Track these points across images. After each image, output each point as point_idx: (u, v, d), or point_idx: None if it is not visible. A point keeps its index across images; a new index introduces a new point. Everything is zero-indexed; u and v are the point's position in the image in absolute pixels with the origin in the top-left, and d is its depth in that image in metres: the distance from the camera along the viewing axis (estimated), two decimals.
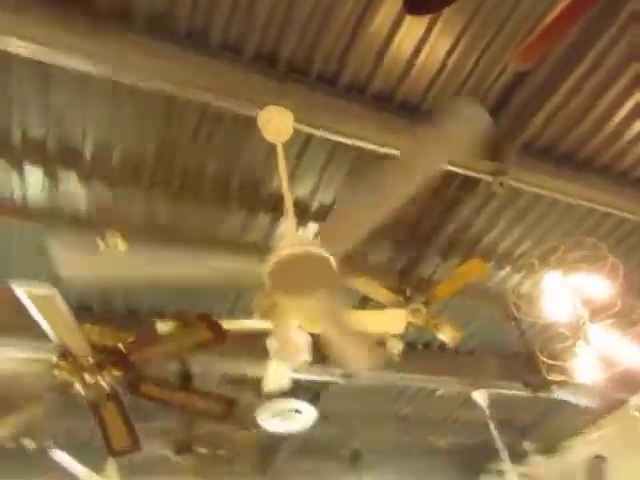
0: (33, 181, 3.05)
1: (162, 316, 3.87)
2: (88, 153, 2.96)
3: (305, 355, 3.03)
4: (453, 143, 1.87)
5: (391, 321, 3.20)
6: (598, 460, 5.54)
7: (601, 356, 2.43)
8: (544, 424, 5.87)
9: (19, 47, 2.25)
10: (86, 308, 3.75)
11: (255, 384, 4.72)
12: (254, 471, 5.68)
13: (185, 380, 3.73)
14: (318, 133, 2.80)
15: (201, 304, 3.93)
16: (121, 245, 3.14)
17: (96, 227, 3.14)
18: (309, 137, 3.01)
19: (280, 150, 2.40)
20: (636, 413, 3.86)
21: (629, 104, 3.20)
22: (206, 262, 1.98)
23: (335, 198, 3.42)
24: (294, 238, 1.99)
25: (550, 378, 2.73)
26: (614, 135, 3.36)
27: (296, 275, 1.91)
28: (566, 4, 2.08)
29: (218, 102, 2.58)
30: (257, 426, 4.85)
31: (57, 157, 2.95)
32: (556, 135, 3.28)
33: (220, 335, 2.39)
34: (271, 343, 3.04)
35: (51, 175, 3.03)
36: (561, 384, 3.25)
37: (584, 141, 3.36)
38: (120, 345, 2.70)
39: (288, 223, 2.10)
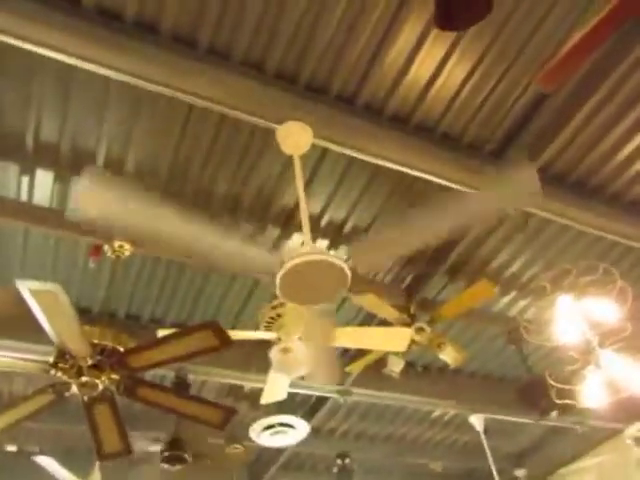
0: (42, 184, 3.03)
1: (162, 325, 3.86)
2: (101, 161, 2.95)
3: (306, 369, 2.98)
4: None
5: (395, 339, 3.16)
6: None
7: (608, 381, 2.40)
8: (539, 451, 5.81)
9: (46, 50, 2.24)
10: (86, 311, 3.71)
11: (251, 396, 4.69)
12: None
13: (182, 388, 3.68)
14: (334, 148, 2.78)
15: (203, 315, 3.92)
16: (127, 251, 3.12)
17: (102, 233, 3.12)
18: (323, 154, 3.02)
19: (297, 161, 2.39)
20: (630, 442, 3.80)
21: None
22: (224, 240, 1.92)
23: (346, 216, 3.42)
24: (309, 247, 1.97)
25: (558, 402, 2.68)
26: (624, 165, 3.36)
27: (308, 282, 1.90)
28: (589, 30, 2.08)
29: (236, 115, 2.57)
30: (249, 439, 4.79)
31: (69, 162, 2.94)
32: (570, 163, 3.29)
33: (225, 341, 2.35)
34: (273, 355, 2.99)
35: (61, 179, 3.02)
36: (567, 409, 3.21)
37: (596, 169, 3.37)
38: (120, 348, 2.65)
39: (304, 233, 2.08)
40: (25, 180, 2.99)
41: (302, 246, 2.04)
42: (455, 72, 2.80)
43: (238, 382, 4.20)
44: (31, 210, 3.08)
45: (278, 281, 1.87)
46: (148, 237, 2.04)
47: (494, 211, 2.25)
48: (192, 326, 2.48)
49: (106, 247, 3.05)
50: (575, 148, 3.22)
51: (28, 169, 2.95)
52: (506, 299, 4.21)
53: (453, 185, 3.00)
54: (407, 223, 2.08)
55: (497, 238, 3.71)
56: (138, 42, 2.38)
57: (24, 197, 3.08)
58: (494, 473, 4.72)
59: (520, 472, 5.26)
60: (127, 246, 3.04)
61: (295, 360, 2.94)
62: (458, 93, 2.89)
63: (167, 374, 4.02)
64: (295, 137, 2.45)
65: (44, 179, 3.01)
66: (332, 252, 2.02)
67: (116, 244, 3.02)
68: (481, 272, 3.89)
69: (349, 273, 1.90)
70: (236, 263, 2.10)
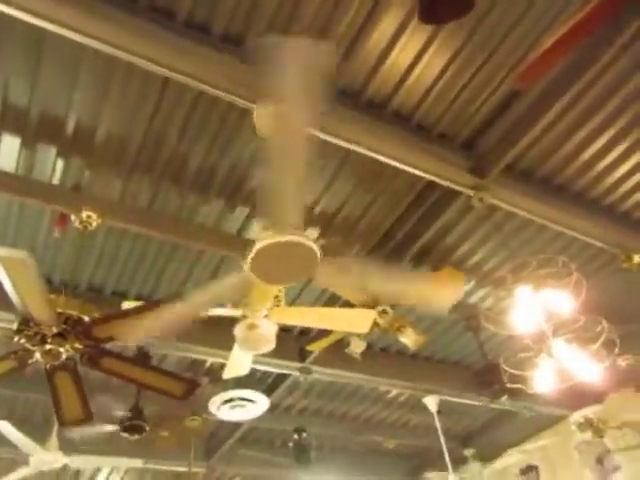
0: (9, 150, 2.95)
1: (125, 298, 3.84)
2: (70, 128, 2.89)
3: (271, 345, 3.03)
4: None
5: (358, 320, 3.23)
6: (530, 469, 5.85)
7: (559, 369, 2.54)
8: (487, 433, 6.07)
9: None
10: (47, 281, 3.65)
11: (211, 371, 4.73)
12: (198, 456, 5.65)
13: (144, 360, 3.69)
14: (328, 138, 2.79)
15: (167, 290, 3.91)
16: (95, 223, 3.08)
17: (70, 203, 3.07)
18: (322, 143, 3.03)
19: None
20: (574, 427, 4.03)
21: (606, 136, 3.34)
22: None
23: (315, 201, 3.46)
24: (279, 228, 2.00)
25: (510, 386, 2.82)
26: (587, 165, 3.49)
27: (279, 262, 1.94)
28: (566, 31, 2.15)
29: (213, 92, 2.55)
30: (208, 413, 4.84)
31: (37, 129, 2.86)
32: (537, 160, 3.40)
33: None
34: (238, 331, 3.02)
35: (29, 146, 2.94)
36: (517, 393, 3.38)
37: (562, 167, 3.48)
38: (85, 318, 2.64)
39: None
40: None
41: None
42: (433, 63, 2.84)
43: (200, 357, 4.22)
44: None
45: (249, 261, 1.90)
46: None
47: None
48: (159, 300, 2.49)
49: (73, 217, 3.00)
50: (543, 146, 3.32)
51: None
52: (466, 288, 4.33)
53: (422, 174, 3.07)
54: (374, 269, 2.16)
55: (461, 229, 3.81)
56: (115, 9, 2.34)
57: None
58: (445, 452, 4.91)
59: (469, 452, 5.49)
60: (95, 217, 2.99)
61: (260, 337, 2.97)
62: (434, 84, 2.94)
63: (128, 346, 4.01)
64: (271, 117, 2.45)
65: (11, 144, 2.93)
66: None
67: (84, 214, 2.98)
68: (444, 260, 4.00)
69: (319, 253, 1.94)
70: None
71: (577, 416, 4.02)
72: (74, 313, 2.60)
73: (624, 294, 4.09)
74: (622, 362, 4.10)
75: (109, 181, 3.15)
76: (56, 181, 3.12)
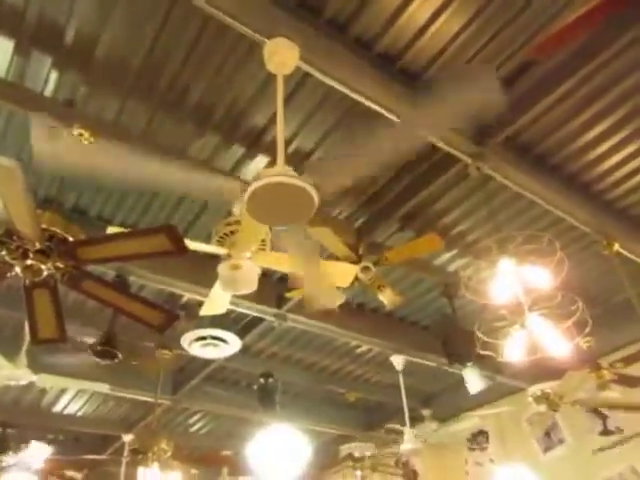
0: (1, 53, 2.81)
1: (110, 224, 3.80)
2: (70, 38, 2.76)
3: (252, 287, 3.05)
4: (454, 112, 1.89)
5: (341, 273, 3.27)
6: (480, 434, 6.14)
7: (530, 341, 2.63)
8: (446, 396, 6.29)
9: None
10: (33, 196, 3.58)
11: (187, 307, 4.76)
12: (164, 389, 5.75)
13: (123, 287, 3.69)
14: (317, 75, 2.73)
15: (153, 220, 3.87)
16: (87, 142, 2.99)
17: (62, 118, 2.97)
18: (303, 80, 2.96)
19: (281, 81, 2.35)
20: (530, 399, 4.20)
21: (604, 124, 3.36)
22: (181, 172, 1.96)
23: (314, 146, 3.41)
24: (283, 169, 1.98)
25: (482, 353, 2.92)
26: (584, 149, 3.52)
27: (276, 203, 1.94)
28: (590, 7, 2.12)
29: (223, 18, 2.46)
30: (179, 348, 4.90)
31: (33, 34, 2.73)
32: (537, 136, 3.40)
33: (180, 248, 2.35)
34: (221, 270, 3.02)
35: (22, 52, 2.81)
36: (482, 362, 3.49)
37: (558, 148, 3.50)
38: (69, 237, 2.61)
39: (279, 154, 2.08)
40: None
41: (273, 167, 2.05)
42: (449, 23, 2.78)
43: (179, 291, 4.23)
44: None
45: (247, 196, 1.89)
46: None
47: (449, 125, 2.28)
48: (147, 228, 2.47)
49: (65, 134, 2.91)
50: (544, 124, 3.32)
51: None
52: (448, 255, 4.40)
53: (431, 138, 3.04)
54: (355, 146, 2.12)
55: (452, 196, 3.83)
56: None
57: None
58: (405, 409, 5.09)
59: (426, 412, 5.70)
60: (87, 135, 2.91)
61: (243, 278, 2.99)
62: (448, 45, 2.88)
63: (107, 272, 3.99)
64: (282, 55, 2.39)
65: (3, 47, 2.79)
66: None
67: (75, 131, 2.89)
68: (430, 226, 4.02)
69: (317, 201, 1.94)
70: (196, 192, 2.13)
71: (535, 389, 4.18)
72: (59, 231, 2.55)
73: (600, 278, 4.20)
74: (583, 344, 4.25)
75: (105, 101, 3.06)
76: (48, 93, 3.01)
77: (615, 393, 4.10)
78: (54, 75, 2.93)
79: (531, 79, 3.03)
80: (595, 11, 2.35)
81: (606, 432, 5.11)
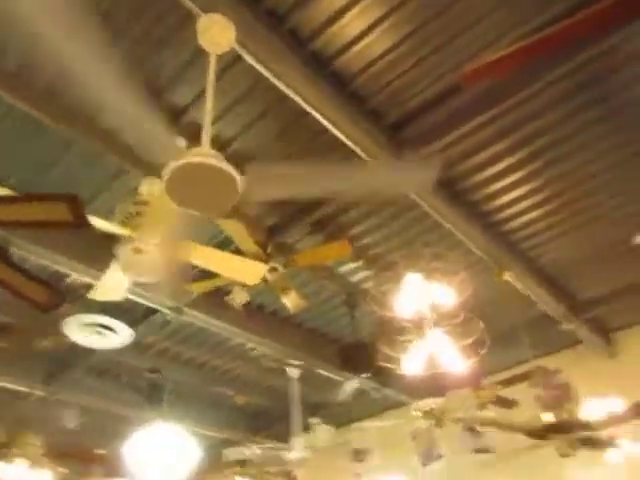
0: None
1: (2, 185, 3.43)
2: None
3: (157, 275, 2.89)
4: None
5: (249, 271, 3.18)
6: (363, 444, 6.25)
7: (429, 356, 2.70)
8: (335, 406, 6.33)
9: None
10: None
11: (73, 288, 4.39)
12: (38, 377, 5.31)
13: (4, 257, 3.33)
14: (249, 59, 2.65)
15: (52, 187, 3.53)
16: None
17: None
18: (233, 63, 2.87)
19: (213, 60, 2.25)
20: (416, 413, 4.33)
21: (507, 161, 3.57)
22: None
23: (235, 135, 3.32)
24: (208, 151, 1.89)
25: (382, 364, 2.95)
26: (488, 181, 3.72)
27: (197, 186, 1.83)
28: (530, 43, 2.23)
29: None
30: (59, 332, 4.54)
31: None
32: (449, 161, 3.51)
33: (79, 220, 2.16)
34: (121, 252, 2.83)
35: None
36: (377, 374, 3.55)
37: (465, 176, 3.68)
38: None
39: (204, 135, 1.98)
40: None
41: (198, 148, 1.94)
42: (385, 36, 2.84)
43: (66, 270, 3.90)
44: None
45: (168, 174, 1.77)
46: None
47: (387, 192, 2.35)
48: (45, 193, 2.24)
49: None
50: (458, 150, 3.46)
51: None
52: (354, 265, 4.45)
53: (348, 142, 3.07)
54: (303, 168, 2.10)
55: (365, 208, 3.89)
56: None
57: None
58: (296, 415, 5.06)
59: (314, 420, 5.71)
60: None
61: (144, 263, 2.82)
62: (380, 58, 2.94)
63: None
64: (217, 33, 2.30)
65: None
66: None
67: None
68: (341, 234, 4.05)
69: (240, 191, 1.86)
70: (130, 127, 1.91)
71: (423, 404, 4.31)
72: None
73: (493, 302, 4.43)
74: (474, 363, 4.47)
75: (9, 48, 2.76)
76: None
77: (492, 413, 4.34)
78: None
79: (448, 107, 3.16)
80: (525, 49, 2.47)
81: (480, 450, 5.38)
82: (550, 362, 5.00)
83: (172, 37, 2.76)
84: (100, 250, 3.12)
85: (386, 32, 2.81)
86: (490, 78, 2.62)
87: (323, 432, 5.00)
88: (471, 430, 5.48)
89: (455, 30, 2.81)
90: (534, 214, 4.02)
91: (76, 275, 4.00)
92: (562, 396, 4.28)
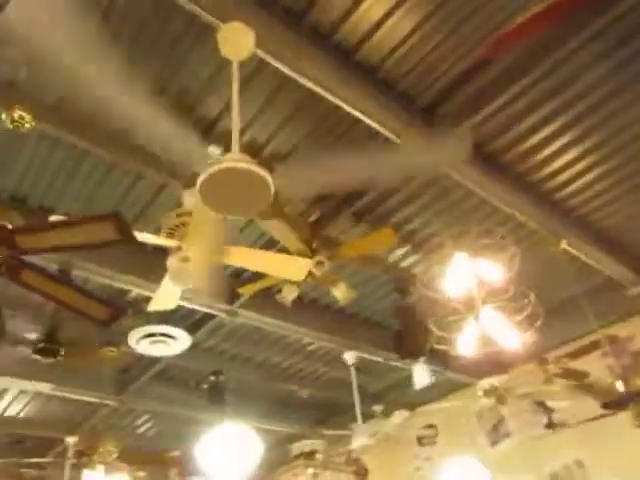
0: None
1: (52, 214, 3.60)
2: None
3: (203, 281, 2.97)
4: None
5: (294, 267, 3.21)
6: (430, 427, 6.23)
7: (482, 335, 2.66)
8: (397, 391, 6.33)
9: None
10: None
11: (134, 303, 4.59)
12: (110, 389, 5.56)
13: (66, 279, 3.51)
14: (272, 62, 2.67)
15: (98, 212, 3.67)
16: (28, 125, 2.84)
17: (3, 98, 2.80)
18: (259, 67, 2.90)
19: (236, 67, 2.28)
20: (480, 393, 4.28)
21: (552, 126, 3.43)
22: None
23: (268, 139, 3.35)
24: (237, 156, 1.92)
25: (436, 347, 2.93)
26: (533, 149, 3.60)
27: (231, 191, 1.87)
28: (547, 6, 2.15)
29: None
30: (125, 345, 4.74)
31: None
32: (489, 135, 3.44)
33: (127, 236, 2.24)
34: (171, 263, 2.92)
35: None
36: (434, 357, 3.52)
37: (509, 148, 3.57)
38: (8, 225, 2.45)
39: (233, 141, 2.02)
40: None
41: (228, 154, 1.98)
42: (407, 18, 2.79)
43: (126, 286, 4.08)
44: None
45: (201, 181, 1.82)
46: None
47: (423, 169, 2.33)
48: (92, 215, 2.34)
49: (4, 115, 2.74)
50: (495, 123, 3.37)
51: None
52: (401, 252, 4.42)
53: (381, 129, 3.04)
54: (334, 159, 2.11)
55: (406, 192, 3.85)
56: None
57: None
58: (357, 405, 5.09)
59: (377, 408, 5.73)
60: (28, 118, 2.76)
61: (191, 271, 2.90)
62: (404, 40, 2.89)
63: (48, 266, 3.80)
64: (237, 40, 2.32)
65: None
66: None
67: (16, 114, 2.73)
68: (384, 221, 4.03)
69: (273, 190, 1.89)
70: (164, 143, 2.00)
71: (484, 383, 4.25)
72: None
73: (547, 275, 4.31)
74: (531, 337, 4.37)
75: (48, 83, 2.90)
76: None
77: (559, 387, 4.23)
78: None
79: (483, 79, 3.07)
80: (553, 8, 2.38)
81: (551, 425, 5.26)
82: (619, 330, 4.84)
83: (196, 49, 2.81)
84: (156, 265, 3.23)
85: (407, 13, 2.75)
86: (519, 44, 2.53)
87: (398, 417, 4.98)
88: (540, 405, 5.38)
89: (478, 1, 2.72)
90: (586, 178, 3.85)
91: (136, 290, 4.16)
92: (636, 364, 4.14)
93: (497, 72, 3.02)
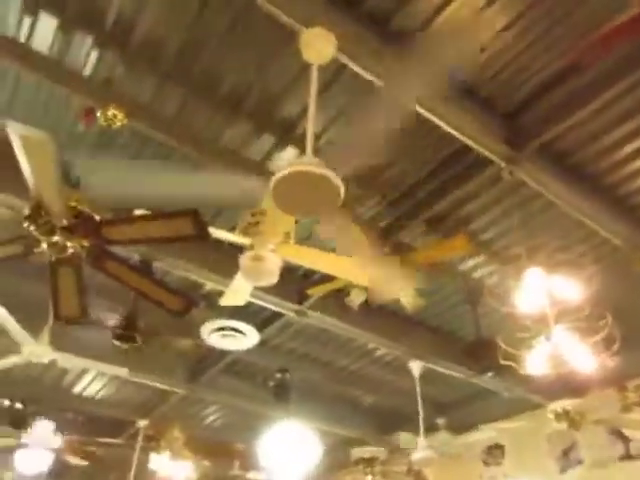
0: (44, 30, 2.85)
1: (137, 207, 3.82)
2: (110, 20, 2.80)
3: (273, 279, 3.03)
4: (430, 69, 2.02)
5: (360, 271, 3.22)
6: (496, 447, 6.00)
7: (554, 354, 2.54)
8: (464, 406, 6.17)
9: None
10: None
11: (208, 297, 4.77)
12: (181, 378, 5.78)
13: (146, 271, 3.70)
14: (353, 67, 2.70)
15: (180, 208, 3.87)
16: (120, 122, 3.02)
17: (99, 97, 3.01)
18: (339, 71, 2.93)
19: (315, 71, 2.32)
20: (551, 416, 4.08)
21: None
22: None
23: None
24: (309, 159, 1.96)
25: (501, 363, 2.83)
26: (623, 161, 3.41)
27: (301, 193, 1.92)
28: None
29: (262, 4, 2.45)
30: (198, 337, 4.91)
31: (76, 13, 2.77)
32: (575, 144, 3.30)
33: (202, 232, 2.35)
34: (243, 260, 3.01)
35: (65, 30, 2.85)
36: (504, 373, 3.40)
37: (597, 158, 3.40)
38: (96, 216, 2.63)
39: (307, 144, 2.06)
40: (27, 21, 2.82)
41: (301, 157, 2.03)
42: (494, 22, 2.72)
43: (201, 280, 4.24)
44: (28, 54, 2.91)
45: (272, 185, 1.87)
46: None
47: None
48: (171, 211, 2.47)
49: (99, 113, 2.95)
50: (584, 132, 3.23)
51: (31, 8, 2.77)
52: (474, 262, 4.31)
53: (457, 134, 2.99)
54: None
55: (483, 201, 3.75)
56: None
57: (22, 39, 2.92)
58: (420, 417, 5.00)
59: (441, 421, 5.61)
60: (120, 116, 2.94)
61: (264, 269, 2.97)
62: (490, 44, 2.82)
63: (131, 257, 4.02)
64: (319, 45, 2.36)
65: (47, 25, 2.84)
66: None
67: (110, 112, 2.92)
68: (458, 230, 3.94)
69: (342, 192, 1.92)
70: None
71: (556, 405, 4.06)
72: (86, 209, 2.58)
73: (630, 296, 4.06)
74: (609, 362, 4.12)
75: (140, 83, 3.08)
76: (87, 72, 3.04)
77: (639, 416, 3.97)
78: (94, 55, 2.96)
79: (571, 86, 2.95)
80: None
81: (628, 456, 4.94)
82: None
83: (279, 53, 2.88)
84: (231, 261, 3.33)
85: (495, 15, 2.69)
86: (610, 51, 2.41)
87: (443, 437, 4.87)
88: (617, 434, 5.06)
89: (569, 5, 2.61)
90: None
91: (211, 284, 4.32)
92: None
93: (583, 81, 2.90)
